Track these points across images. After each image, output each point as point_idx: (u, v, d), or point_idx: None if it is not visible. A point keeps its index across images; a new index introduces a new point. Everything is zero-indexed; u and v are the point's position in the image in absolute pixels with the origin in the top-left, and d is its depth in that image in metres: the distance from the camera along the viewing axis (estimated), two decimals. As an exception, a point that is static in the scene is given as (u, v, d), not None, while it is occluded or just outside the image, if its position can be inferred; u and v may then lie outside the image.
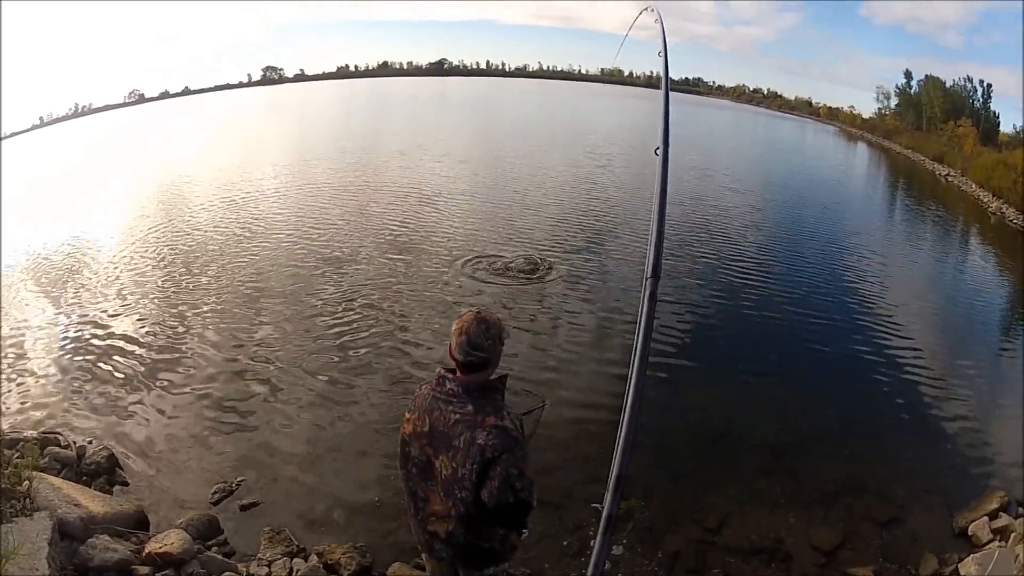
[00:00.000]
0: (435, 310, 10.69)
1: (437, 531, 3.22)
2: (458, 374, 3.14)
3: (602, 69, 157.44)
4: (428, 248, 13.93)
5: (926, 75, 73.31)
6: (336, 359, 9.19)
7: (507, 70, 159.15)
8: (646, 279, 3.01)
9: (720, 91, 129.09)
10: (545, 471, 6.30)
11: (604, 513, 2.51)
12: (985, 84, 66.11)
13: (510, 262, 12.97)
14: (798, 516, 6.32)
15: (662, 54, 4.14)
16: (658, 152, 3.56)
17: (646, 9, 5.25)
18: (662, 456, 7.04)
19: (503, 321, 3.28)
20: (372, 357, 9.21)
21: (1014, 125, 58.38)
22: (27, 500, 4.85)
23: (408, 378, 8.58)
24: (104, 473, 6.49)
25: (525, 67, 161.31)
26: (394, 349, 9.45)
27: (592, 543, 5.59)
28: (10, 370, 9.07)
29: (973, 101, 66.68)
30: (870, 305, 12.29)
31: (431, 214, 17.11)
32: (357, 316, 10.54)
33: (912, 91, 74.40)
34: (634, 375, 2.68)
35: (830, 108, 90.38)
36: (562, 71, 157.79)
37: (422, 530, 3.32)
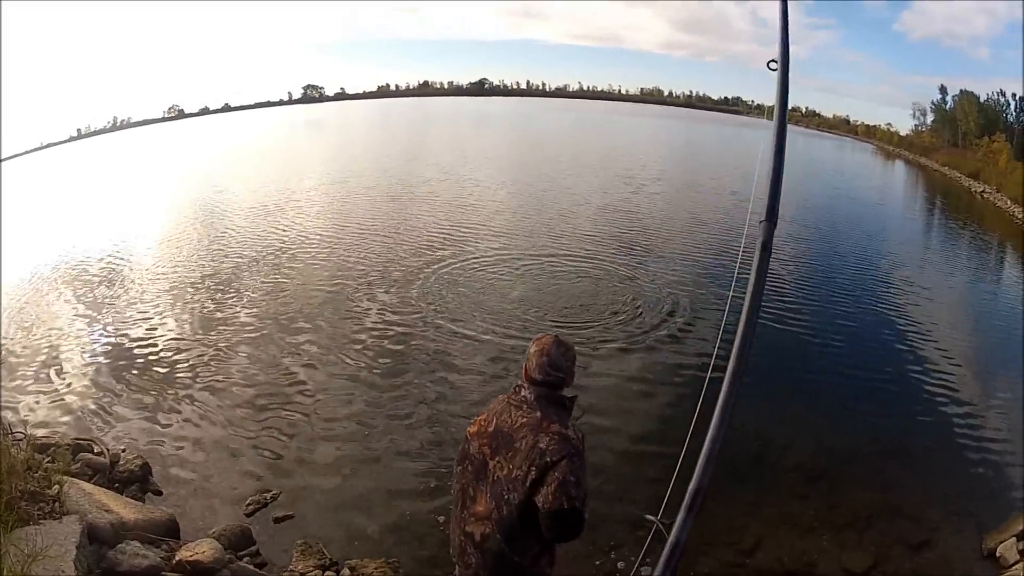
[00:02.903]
0: (473, 334, 10.50)
1: (474, 532, 3.21)
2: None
3: (641, 89, 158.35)
4: (467, 272, 13.84)
5: (960, 90, 72.87)
6: (374, 377, 9.21)
7: (547, 90, 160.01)
8: (759, 223, 2.92)
9: (760, 110, 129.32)
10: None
11: (693, 486, 2.65)
12: (1017, 98, 65.47)
13: (549, 288, 12.97)
14: (831, 540, 6.24)
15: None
16: (772, 66, 3.45)
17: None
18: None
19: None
20: (411, 377, 9.20)
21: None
22: (56, 504, 4.89)
23: (446, 399, 8.60)
24: (137, 481, 6.54)
25: (565, 87, 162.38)
26: (433, 370, 9.42)
27: (619, 564, 5.53)
28: (45, 377, 9.20)
29: (1006, 115, 66.04)
30: (905, 328, 12.11)
31: (467, 238, 17.00)
32: (396, 336, 10.53)
33: (947, 107, 73.87)
34: (738, 343, 2.71)
35: (868, 126, 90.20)
36: (602, 91, 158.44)
37: (460, 530, 3.31)
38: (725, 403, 2.89)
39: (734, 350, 2.80)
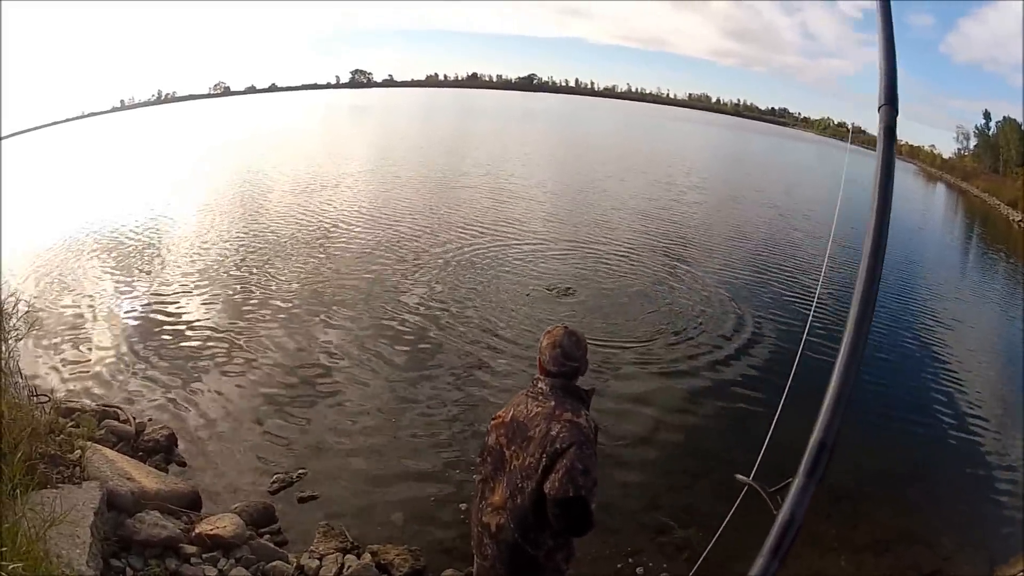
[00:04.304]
0: (506, 325, 10.61)
1: (490, 523, 3.25)
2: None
3: (690, 94, 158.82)
4: (507, 267, 13.84)
5: (1004, 117, 71.96)
6: (406, 364, 9.22)
7: (596, 89, 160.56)
8: (879, 108, 2.63)
9: (806, 123, 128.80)
10: (606, 494, 6.27)
11: (816, 438, 1.96)
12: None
13: (579, 282, 12.94)
14: (849, 560, 6.18)
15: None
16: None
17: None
18: (728, 489, 6.89)
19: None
20: (443, 369, 9.17)
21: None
22: (77, 468, 4.88)
23: (478, 389, 8.61)
24: (162, 451, 6.57)
25: (614, 87, 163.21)
26: (465, 360, 9.42)
27: (638, 570, 5.46)
28: (75, 342, 9.33)
29: (1048, 145, 65.18)
30: (938, 359, 11.87)
31: (510, 236, 16.83)
32: (430, 327, 10.50)
33: (990, 133, 73.02)
34: (869, 247, 2.36)
35: (912, 146, 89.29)
36: (650, 94, 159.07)
37: (478, 521, 3.36)
38: (859, 321, 2.18)
39: (867, 242, 2.39)
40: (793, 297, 13.78)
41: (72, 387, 7.98)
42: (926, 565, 6.24)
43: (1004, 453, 8.68)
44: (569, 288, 12.54)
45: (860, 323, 2.16)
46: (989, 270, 23.12)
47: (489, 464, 3.33)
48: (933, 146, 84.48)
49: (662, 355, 10.13)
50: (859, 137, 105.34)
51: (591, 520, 3.04)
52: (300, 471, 6.54)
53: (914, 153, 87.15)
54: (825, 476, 1.96)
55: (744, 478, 2.42)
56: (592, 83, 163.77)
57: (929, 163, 79.37)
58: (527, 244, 15.90)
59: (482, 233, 16.61)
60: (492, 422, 3.39)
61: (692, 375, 9.57)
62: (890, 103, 2.56)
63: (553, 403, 3.14)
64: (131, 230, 15.76)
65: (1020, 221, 36.98)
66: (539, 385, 3.26)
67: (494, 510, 3.24)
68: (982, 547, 6.60)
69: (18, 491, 3.98)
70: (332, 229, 16.30)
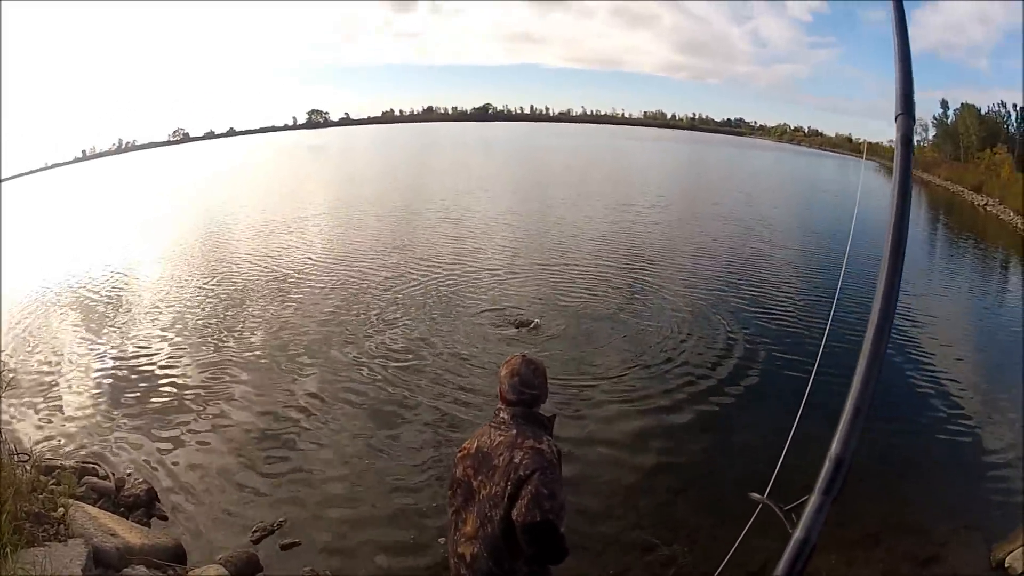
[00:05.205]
0: (473, 361, 10.57)
1: (464, 553, 3.27)
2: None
3: (644, 112, 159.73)
4: (469, 303, 13.74)
5: (961, 103, 72.63)
6: (379, 404, 9.20)
7: (551, 115, 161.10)
8: (896, 117, 2.61)
9: (763, 131, 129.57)
10: (588, 517, 6.39)
11: (834, 453, 1.92)
12: (1019, 108, 65.50)
13: (548, 321, 12.62)
14: (839, 557, 6.17)
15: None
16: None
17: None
18: (707, 495, 6.98)
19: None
20: (414, 402, 9.19)
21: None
22: (61, 526, 4.87)
23: (449, 424, 8.58)
24: (143, 506, 6.53)
25: (568, 111, 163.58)
26: (433, 397, 9.39)
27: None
28: (51, 398, 9.26)
29: (1008, 127, 65.90)
30: (912, 348, 12.04)
31: (471, 270, 16.69)
32: (400, 362, 10.53)
33: (949, 121, 73.61)
34: (890, 243, 2.33)
35: (870, 143, 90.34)
36: (606, 115, 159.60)
37: (454, 552, 3.37)
38: (878, 333, 2.13)
39: (886, 253, 2.33)
40: (780, 311, 13.99)
41: (50, 443, 7.91)
42: (921, 553, 6.30)
43: (986, 431, 8.84)
44: (535, 322, 12.33)
45: (879, 335, 2.12)
46: (959, 258, 23.39)
47: (459, 496, 3.35)
48: (891, 141, 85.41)
49: (658, 381, 9.96)
50: (816, 139, 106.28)
51: (563, 545, 3.06)
52: (280, 519, 6.51)
53: (873, 150, 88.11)
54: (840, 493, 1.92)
55: (759, 496, 2.32)
56: (547, 108, 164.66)
57: (889, 159, 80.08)
58: (488, 279, 15.80)
59: (443, 270, 16.47)
60: (458, 454, 3.42)
61: (683, 396, 9.52)
62: (907, 112, 2.55)
63: (515, 431, 3.19)
64: (97, 284, 15.71)
65: (984, 205, 37.40)
66: (501, 415, 3.30)
67: (467, 540, 3.26)
68: (976, 528, 6.66)
69: (8, 550, 3.98)
70: (297, 275, 16.20)
